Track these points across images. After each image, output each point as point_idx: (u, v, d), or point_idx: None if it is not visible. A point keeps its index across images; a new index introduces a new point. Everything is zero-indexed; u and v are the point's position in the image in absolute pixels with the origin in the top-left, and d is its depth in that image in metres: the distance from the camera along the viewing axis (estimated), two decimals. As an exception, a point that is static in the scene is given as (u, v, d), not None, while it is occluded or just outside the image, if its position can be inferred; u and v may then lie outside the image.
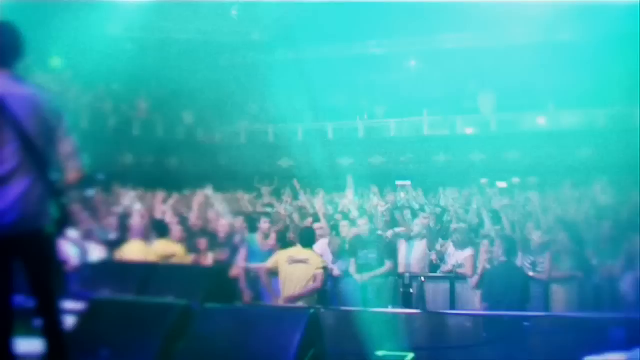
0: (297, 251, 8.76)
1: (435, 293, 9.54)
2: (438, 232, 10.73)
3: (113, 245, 9.94)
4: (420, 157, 21.45)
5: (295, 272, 8.48)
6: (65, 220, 4.65)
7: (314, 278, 8.44)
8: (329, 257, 9.68)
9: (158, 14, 15.04)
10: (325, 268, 8.66)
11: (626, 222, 10.29)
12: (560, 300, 9.21)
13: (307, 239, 8.91)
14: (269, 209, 12.87)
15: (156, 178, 15.79)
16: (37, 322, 4.55)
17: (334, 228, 10.67)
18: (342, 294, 9.50)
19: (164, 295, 6.44)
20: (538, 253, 9.36)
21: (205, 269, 8.61)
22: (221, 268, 8.59)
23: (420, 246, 10.13)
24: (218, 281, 7.36)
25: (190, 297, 6.04)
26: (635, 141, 13.45)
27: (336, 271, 9.65)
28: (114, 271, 8.13)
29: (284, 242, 9.97)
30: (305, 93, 18.52)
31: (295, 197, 13.62)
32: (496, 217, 10.57)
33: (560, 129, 20.95)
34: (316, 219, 11.09)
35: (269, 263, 8.80)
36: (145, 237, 9.69)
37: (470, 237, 10.00)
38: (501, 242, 9.13)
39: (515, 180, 20.04)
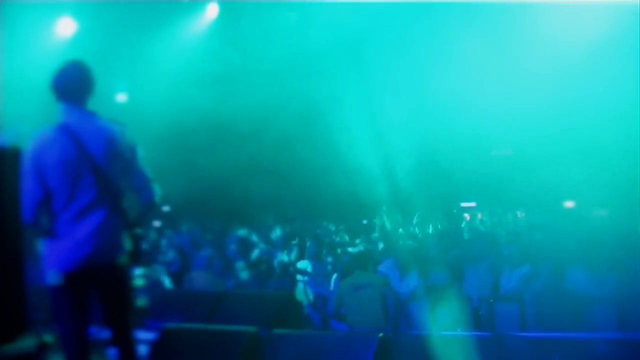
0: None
1: (504, 315, 9.41)
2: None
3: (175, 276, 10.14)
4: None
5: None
6: (138, 252, 4.74)
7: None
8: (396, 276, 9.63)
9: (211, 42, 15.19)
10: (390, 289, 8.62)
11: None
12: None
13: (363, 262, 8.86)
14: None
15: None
16: (112, 352, 4.66)
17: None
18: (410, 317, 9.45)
19: (232, 322, 6.52)
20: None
21: (272, 295, 8.67)
22: (287, 293, 8.64)
23: (486, 267, 10.02)
24: (285, 307, 7.41)
25: (258, 324, 6.11)
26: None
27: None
28: (183, 300, 8.25)
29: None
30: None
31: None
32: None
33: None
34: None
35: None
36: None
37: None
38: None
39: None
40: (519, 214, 15.54)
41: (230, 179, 15.06)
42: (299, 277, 9.83)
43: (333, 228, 13.85)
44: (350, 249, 11.12)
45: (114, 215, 4.52)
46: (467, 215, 14.45)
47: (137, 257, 4.74)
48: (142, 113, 13.36)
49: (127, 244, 4.60)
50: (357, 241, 12.12)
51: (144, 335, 6.00)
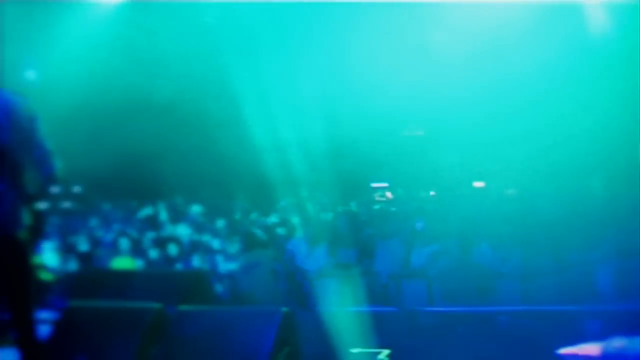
0: None
1: (412, 291, 9.60)
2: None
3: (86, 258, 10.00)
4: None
5: None
6: (38, 228, 4.63)
7: None
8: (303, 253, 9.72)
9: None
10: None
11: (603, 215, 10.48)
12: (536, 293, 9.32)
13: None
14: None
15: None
16: (13, 334, 4.54)
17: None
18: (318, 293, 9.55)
19: (140, 300, 6.46)
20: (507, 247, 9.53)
21: (183, 273, 8.64)
22: (196, 272, 8.62)
23: (394, 245, 10.20)
24: (194, 285, 7.40)
25: (166, 302, 6.07)
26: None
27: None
28: (91, 280, 8.13)
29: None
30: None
31: None
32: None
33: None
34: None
35: None
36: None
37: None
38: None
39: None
40: (431, 193, 15.80)
41: (142, 158, 14.83)
42: (209, 255, 9.83)
43: (244, 207, 13.85)
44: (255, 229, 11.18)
45: (11, 188, 4.39)
46: (377, 195, 14.61)
47: (38, 232, 4.63)
48: (51, 91, 13.04)
49: (27, 218, 4.48)
50: (266, 220, 12.17)
51: (47, 315, 5.89)
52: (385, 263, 9.98)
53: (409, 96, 14.41)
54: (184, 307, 5.94)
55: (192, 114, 14.80)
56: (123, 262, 9.68)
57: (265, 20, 13.96)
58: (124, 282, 7.62)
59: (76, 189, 16.02)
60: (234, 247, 10.00)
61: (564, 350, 6.96)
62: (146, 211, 13.44)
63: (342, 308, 7.51)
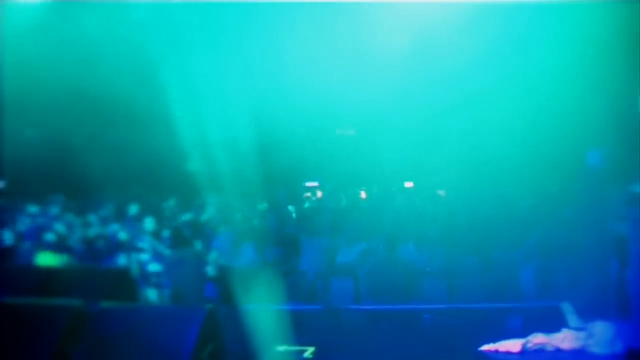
0: None
1: (339, 289, 9.65)
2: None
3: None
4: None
5: None
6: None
7: None
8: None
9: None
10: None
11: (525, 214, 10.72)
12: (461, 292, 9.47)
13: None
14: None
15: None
16: None
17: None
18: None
19: (63, 297, 6.35)
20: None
21: (106, 270, 8.51)
22: (121, 269, 8.50)
23: (322, 243, 10.23)
24: (118, 282, 7.30)
25: (90, 298, 5.97)
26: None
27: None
28: (12, 275, 7.95)
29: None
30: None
31: None
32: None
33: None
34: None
35: None
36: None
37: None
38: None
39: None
40: (361, 192, 15.87)
41: (69, 155, 14.57)
42: (134, 253, 9.72)
43: (172, 204, 13.71)
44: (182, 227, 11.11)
45: None
46: (308, 194, 14.61)
47: None
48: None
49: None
50: (188, 216, 12.08)
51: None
52: (312, 261, 10.01)
53: (342, 95, 14.46)
54: (105, 304, 5.85)
55: (121, 110, 14.58)
56: (47, 258, 9.48)
57: (197, 18, 13.84)
58: (46, 278, 7.48)
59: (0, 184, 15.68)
60: (162, 245, 9.90)
61: (485, 347, 7.11)
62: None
63: (267, 305, 7.51)
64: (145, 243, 10.00)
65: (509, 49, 12.91)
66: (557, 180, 10.95)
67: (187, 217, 11.94)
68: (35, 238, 9.93)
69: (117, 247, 9.98)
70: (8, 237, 11.05)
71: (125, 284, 7.40)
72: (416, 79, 14.43)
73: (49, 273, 7.76)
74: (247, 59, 14.51)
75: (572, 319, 7.75)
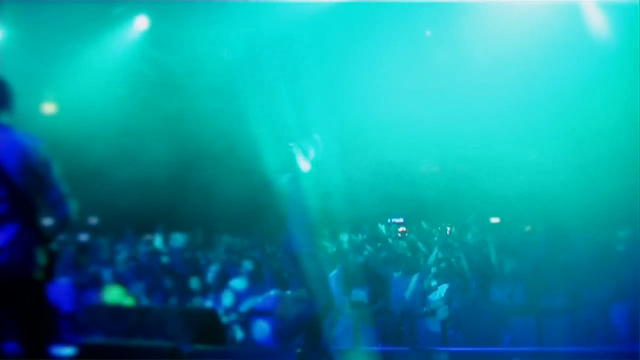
0: None
1: (428, 330, 9.55)
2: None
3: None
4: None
5: None
6: (53, 267, 4.68)
7: None
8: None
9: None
10: None
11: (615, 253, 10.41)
12: (551, 333, 9.24)
13: None
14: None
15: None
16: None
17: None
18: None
19: (155, 338, 6.48)
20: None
21: (196, 311, 8.63)
22: (211, 310, 8.60)
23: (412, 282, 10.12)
24: (208, 323, 7.38)
25: (181, 340, 6.08)
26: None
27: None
28: (106, 315, 8.15)
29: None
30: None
31: None
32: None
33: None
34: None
35: None
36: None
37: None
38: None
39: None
40: (448, 229, 15.69)
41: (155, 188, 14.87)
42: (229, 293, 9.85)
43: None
44: None
45: (27, 230, 4.48)
46: (402, 229, 14.52)
47: (52, 272, 4.68)
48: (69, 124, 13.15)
49: (42, 259, 4.55)
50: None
51: (63, 351, 5.93)
52: (398, 301, 9.96)
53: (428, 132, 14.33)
54: (198, 347, 5.94)
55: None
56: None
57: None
58: (136, 318, 7.64)
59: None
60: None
61: None
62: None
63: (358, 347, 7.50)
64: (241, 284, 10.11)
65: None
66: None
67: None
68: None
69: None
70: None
71: (214, 325, 7.49)
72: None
73: (138, 313, 7.92)
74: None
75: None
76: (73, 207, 4.65)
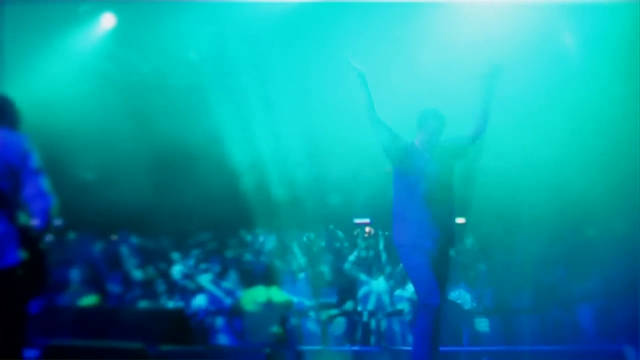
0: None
1: (393, 330, 9.58)
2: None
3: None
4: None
5: None
6: (37, 264, 4.53)
7: None
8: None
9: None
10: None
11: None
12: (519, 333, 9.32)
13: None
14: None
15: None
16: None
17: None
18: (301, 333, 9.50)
19: (122, 339, 6.41)
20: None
21: (164, 312, 8.57)
22: (180, 310, 8.55)
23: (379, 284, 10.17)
24: (176, 324, 7.34)
25: (149, 340, 6.02)
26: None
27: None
28: (72, 316, 8.06)
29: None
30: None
31: None
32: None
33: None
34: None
35: None
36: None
37: None
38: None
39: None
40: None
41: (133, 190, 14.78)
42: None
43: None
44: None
45: (3, 225, 4.35)
46: (368, 230, 14.51)
47: (39, 271, 4.53)
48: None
49: (22, 254, 4.39)
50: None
51: (27, 353, 5.82)
52: (365, 302, 10.01)
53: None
54: (166, 347, 5.89)
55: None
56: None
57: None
58: (103, 319, 7.58)
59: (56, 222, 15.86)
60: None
61: None
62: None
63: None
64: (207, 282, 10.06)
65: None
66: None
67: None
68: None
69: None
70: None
71: (182, 326, 7.44)
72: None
73: (105, 313, 7.86)
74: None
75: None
76: (53, 203, 4.47)
